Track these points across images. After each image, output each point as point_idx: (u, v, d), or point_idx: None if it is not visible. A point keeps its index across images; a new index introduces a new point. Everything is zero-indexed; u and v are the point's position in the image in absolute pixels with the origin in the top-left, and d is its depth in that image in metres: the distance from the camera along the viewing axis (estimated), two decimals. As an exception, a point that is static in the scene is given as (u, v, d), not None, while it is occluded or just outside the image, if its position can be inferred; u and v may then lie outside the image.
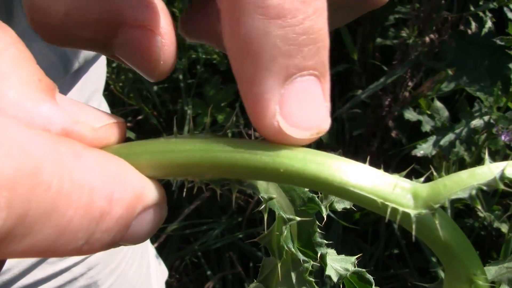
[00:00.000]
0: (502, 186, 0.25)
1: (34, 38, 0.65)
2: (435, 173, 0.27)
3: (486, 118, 1.59)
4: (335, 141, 1.78)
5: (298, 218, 0.31)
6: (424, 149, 1.63)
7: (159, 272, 1.07)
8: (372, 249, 1.75)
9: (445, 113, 1.73)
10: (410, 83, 1.77)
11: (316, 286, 0.35)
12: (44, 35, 0.33)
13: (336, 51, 1.87)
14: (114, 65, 1.83)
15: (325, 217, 0.33)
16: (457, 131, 1.64)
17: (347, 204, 0.36)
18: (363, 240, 1.78)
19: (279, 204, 0.32)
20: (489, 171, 0.26)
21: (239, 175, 0.27)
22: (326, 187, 0.26)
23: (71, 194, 0.24)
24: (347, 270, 0.38)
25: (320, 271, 0.37)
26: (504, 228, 1.59)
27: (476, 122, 1.61)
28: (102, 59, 0.81)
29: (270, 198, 0.29)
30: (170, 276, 1.81)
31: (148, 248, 1.02)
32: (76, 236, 0.24)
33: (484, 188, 0.25)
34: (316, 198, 0.33)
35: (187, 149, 0.27)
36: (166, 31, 0.33)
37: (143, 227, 0.28)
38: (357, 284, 0.39)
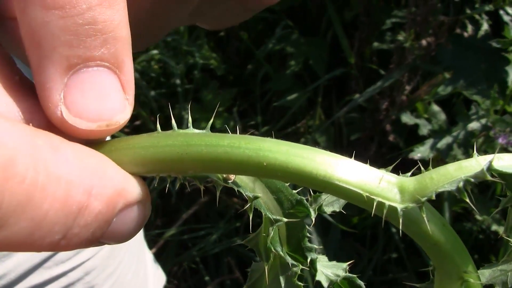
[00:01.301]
0: (489, 178, 0.24)
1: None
2: (422, 168, 0.27)
3: (483, 121, 1.59)
4: (333, 145, 1.77)
5: (285, 219, 0.30)
6: (421, 152, 1.63)
7: (156, 277, 1.06)
8: (371, 253, 1.74)
9: (442, 116, 1.73)
10: (407, 87, 1.77)
11: None
12: None
13: (333, 55, 1.87)
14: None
15: (313, 220, 0.32)
16: (455, 134, 1.64)
17: (336, 207, 0.35)
18: (362, 244, 1.78)
19: (266, 206, 0.31)
20: (476, 163, 0.25)
21: (222, 170, 0.27)
22: (310, 181, 0.26)
23: (46, 187, 0.23)
24: (338, 276, 0.37)
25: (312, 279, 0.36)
26: (502, 231, 1.58)
27: (473, 125, 1.61)
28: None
29: (256, 197, 0.28)
30: (168, 282, 1.80)
31: (145, 253, 1.02)
32: (52, 230, 0.24)
33: (472, 180, 0.25)
34: (305, 201, 0.33)
35: (169, 144, 0.27)
36: None
37: (126, 225, 0.27)
38: None
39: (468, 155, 1.67)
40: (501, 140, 1.56)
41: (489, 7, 1.70)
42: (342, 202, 0.35)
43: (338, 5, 1.86)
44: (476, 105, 1.61)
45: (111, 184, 0.26)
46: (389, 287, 1.73)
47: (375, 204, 0.26)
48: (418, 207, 0.25)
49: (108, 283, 0.85)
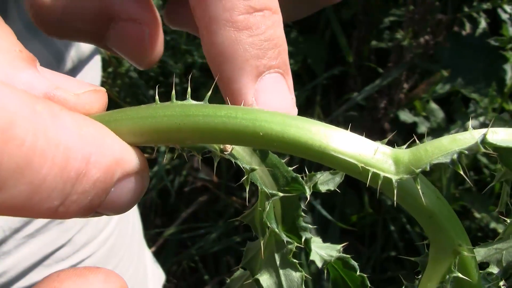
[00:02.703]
0: (483, 150, 0.24)
1: (28, 37, 0.65)
2: (417, 141, 0.27)
3: (481, 119, 1.59)
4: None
5: (281, 194, 0.30)
6: (420, 150, 1.62)
7: (156, 276, 1.06)
8: (370, 251, 1.74)
9: (440, 114, 1.73)
10: (405, 85, 1.77)
11: (299, 267, 0.34)
12: (45, 29, 0.37)
13: (331, 54, 1.87)
14: (110, 70, 1.83)
15: (308, 197, 0.33)
16: (453, 132, 1.64)
17: (331, 186, 0.36)
18: (361, 243, 1.78)
19: (262, 181, 0.31)
20: (471, 136, 0.26)
21: (219, 140, 0.27)
22: (306, 151, 0.26)
23: (45, 152, 0.24)
24: (331, 256, 0.38)
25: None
26: (501, 229, 1.58)
27: (472, 123, 1.60)
28: (97, 60, 0.81)
29: (252, 169, 0.28)
30: (167, 281, 1.80)
31: (144, 252, 1.02)
32: (51, 196, 0.24)
33: (466, 152, 0.25)
34: (300, 178, 0.33)
35: (168, 114, 0.27)
36: (153, 23, 0.38)
37: (124, 196, 0.27)
38: (341, 271, 0.39)
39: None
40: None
41: (487, 5, 1.70)
42: (337, 180, 0.36)
43: (337, 4, 1.86)
44: (474, 103, 1.62)
45: (110, 153, 0.26)
46: (388, 285, 1.73)
47: (370, 175, 0.26)
48: (413, 178, 0.26)
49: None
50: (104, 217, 0.82)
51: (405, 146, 0.27)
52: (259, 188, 0.30)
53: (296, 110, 0.33)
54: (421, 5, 1.70)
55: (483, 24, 1.74)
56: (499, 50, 1.66)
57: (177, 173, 1.83)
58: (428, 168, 0.25)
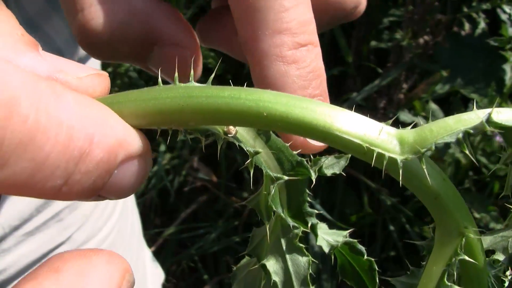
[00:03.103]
0: (488, 129, 0.24)
1: (28, 33, 0.65)
2: (421, 122, 0.27)
3: (481, 119, 1.59)
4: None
5: (286, 177, 0.30)
6: (419, 150, 1.62)
7: (155, 275, 1.06)
8: (369, 251, 1.74)
9: (440, 114, 1.73)
10: (404, 85, 1.77)
11: (306, 252, 0.34)
12: (91, 53, 0.40)
13: (331, 54, 1.88)
14: (109, 69, 1.83)
15: (314, 180, 0.32)
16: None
17: (337, 169, 0.35)
18: (360, 243, 1.77)
19: (267, 165, 0.31)
20: (475, 116, 0.26)
21: (222, 121, 0.27)
22: (310, 132, 0.26)
23: (48, 129, 0.23)
24: (338, 241, 0.38)
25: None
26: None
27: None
28: (95, 60, 0.81)
29: (256, 152, 0.28)
30: (167, 280, 1.80)
31: (144, 251, 1.02)
32: (54, 174, 0.24)
33: (471, 131, 0.25)
34: (305, 162, 0.33)
35: (171, 96, 0.27)
36: (193, 46, 0.41)
37: (126, 179, 0.27)
38: (348, 256, 0.38)
39: (465, 153, 1.68)
40: (499, 138, 1.56)
41: (486, 6, 1.70)
42: (342, 164, 0.36)
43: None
44: (474, 103, 1.61)
45: (113, 134, 0.26)
46: (388, 286, 1.73)
47: (375, 155, 0.26)
48: (418, 158, 0.25)
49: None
50: (104, 215, 0.82)
51: (409, 127, 0.27)
52: (264, 171, 0.30)
53: None
54: (421, 5, 1.70)
55: (482, 24, 1.75)
56: (498, 50, 1.66)
57: (177, 173, 1.83)
58: (433, 148, 0.25)
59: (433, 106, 1.74)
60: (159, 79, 0.28)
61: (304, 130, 0.26)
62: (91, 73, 0.29)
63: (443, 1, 1.80)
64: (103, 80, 0.30)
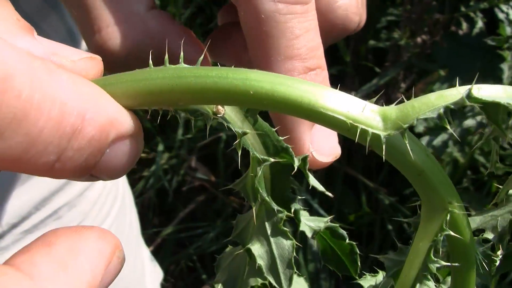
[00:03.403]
0: (468, 103, 0.25)
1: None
2: (405, 100, 0.27)
3: (478, 118, 1.60)
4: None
5: (272, 159, 0.31)
6: (417, 149, 1.63)
7: (154, 274, 1.07)
8: (367, 250, 1.75)
9: (438, 113, 1.73)
10: (402, 85, 1.78)
11: (290, 235, 0.35)
12: (108, 69, 0.40)
13: (329, 54, 1.88)
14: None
15: (296, 168, 0.33)
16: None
17: None
18: (358, 242, 1.78)
19: (253, 148, 0.32)
20: (457, 92, 0.26)
21: (211, 100, 0.28)
22: (295, 109, 0.27)
23: (42, 105, 0.24)
24: (320, 226, 0.38)
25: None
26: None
27: (469, 122, 1.61)
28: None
29: (244, 133, 0.29)
30: (165, 280, 1.80)
31: (142, 249, 1.02)
32: (47, 149, 0.25)
33: (452, 107, 0.25)
34: (290, 149, 0.33)
35: (161, 77, 0.28)
36: (206, 64, 0.41)
37: (118, 158, 0.28)
38: (330, 240, 0.39)
39: (464, 152, 1.68)
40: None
41: (484, 5, 1.71)
42: None
43: (334, 4, 1.86)
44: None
45: (105, 112, 0.27)
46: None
47: (358, 131, 0.26)
48: (401, 134, 0.26)
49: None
50: (102, 213, 0.82)
51: (393, 104, 0.28)
52: (250, 153, 0.31)
53: (340, 150, 0.41)
54: (418, 5, 1.71)
55: (480, 23, 1.75)
56: (496, 49, 1.66)
57: (175, 172, 1.83)
58: (415, 123, 0.26)
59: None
60: (150, 61, 0.29)
61: (290, 108, 0.27)
62: (85, 57, 0.30)
63: (440, 0, 1.81)
64: (97, 64, 0.31)
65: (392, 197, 1.72)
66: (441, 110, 0.26)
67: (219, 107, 0.29)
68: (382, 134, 0.26)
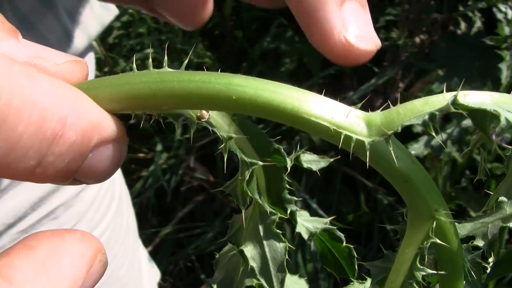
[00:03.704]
0: (453, 110, 0.25)
1: (22, 32, 0.65)
2: (391, 105, 0.27)
3: (477, 117, 1.59)
4: (327, 143, 1.78)
5: (260, 163, 0.31)
6: (415, 149, 1.62)
7: (151, 274, 1.07)
8: (366, 250, 1.74)
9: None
10: (401, 84, 1.77)
11: (283, 238, 0.34)
12: None
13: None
14: (106, 70, 1.83)
15: (289, 168, 0.33)
16: (449, 131, 1.64)
17: (314, 167, 0.36)
18: (357, 242, 1.78)
19: (243, 151, 0.32)
20: (443, 98, 0.26)
21: (194, 105, 0.27)
22: (279, 115, 0.26)
23: (21, 110, 0.24)
24: (317, 228, 0.38)
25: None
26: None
27: (467, 122, 1.61)
28: (91, 58, 0.82)
29: (230, 138, 0.29)
30: (164, 280, 1.80)
31: (139, 249, 1.02)
32: (27, 154, 0.24)
33: (437, 113, 0.25)
34: (282, 150, 0.33)
35: (144, 81, 0.27)
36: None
37: (101, 163, 0.28)
38: (328, 243, 0.39)
39: (462, 152, 1.68)
40: (494, 137, 1.56)
41: (482, 5, 1.71)
42: (322, 164, 0.36)
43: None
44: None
45: (87, 117, 0.26)
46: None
47: (342, 137, 0.26)
48: (385, 140, 0.26)
49: (102, 278, 0.85)
50: (98, 213, 0.82)
51: (379, 110, 0.28)
52: (239, 157, 0.31)
53: (379, 40, 0.34)
54: (416, 5, 1.70)
55: (478, 23, 1.75)
56: (494, 49, 1.66)
57: (173, 172, 1.83)
58: (399, 130, 0.26)
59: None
60: (134, 65, 0.28)
61: (273, 113, 0.26)
62: (69, 60, 0.30)
63: (439, 0, 1.81)
64: (81, 67, 0.30)
65: (390, 197, 1.72)
66: (426, 117, 0.25)
67: (203, 111, 0.29)
68: (366, 140, 0.26)
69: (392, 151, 0.26)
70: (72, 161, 0.26)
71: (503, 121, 0.25)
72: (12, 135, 0.24)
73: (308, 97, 0.26)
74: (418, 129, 1.66)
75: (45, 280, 0.24)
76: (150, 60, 0.28)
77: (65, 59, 0.30)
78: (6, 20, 0.29)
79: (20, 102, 0.24)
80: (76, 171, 0.27)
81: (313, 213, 1.73)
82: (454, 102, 0.25)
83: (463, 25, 1.78)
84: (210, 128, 0.29)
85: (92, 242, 0.26)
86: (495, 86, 1.63)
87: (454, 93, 0.26)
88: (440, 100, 0.26)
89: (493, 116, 0.26)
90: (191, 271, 1.87)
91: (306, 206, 1.68)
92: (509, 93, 0.27)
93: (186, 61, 0.28)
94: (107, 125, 0.28)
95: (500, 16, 1.70)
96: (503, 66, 1.66)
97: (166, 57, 0.29)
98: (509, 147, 0.34)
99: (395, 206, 1.71)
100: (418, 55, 1.74)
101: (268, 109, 0.26)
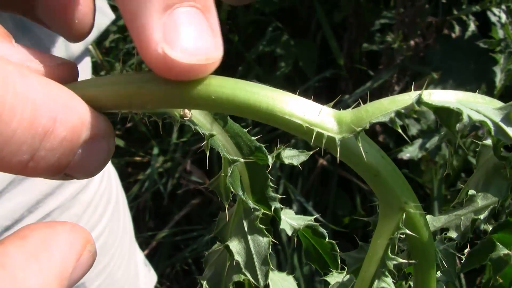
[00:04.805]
0: (418, 108, 0.26)
1: (18, 36, 0.67)
2: (361, 104, 0.29)
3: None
4: (324, 146, 1.78)
5: (242, 160, 0.32)
6: (410, 152, 1.64)
7: (148, 277, 1.07)
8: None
9: (431, 116, 1.75)
10: (396, 87, 1.79)
11: (266, 232, 0.36)
12: None
13: (323, 56, 1.89)
14: (102, 73, 1.85)
15: (270, 165, 0.34)
16: (443, 133, 1.65)
17: (295, 161, 0.37)
18: (353, 244, 1.79)
19: (225, 149, 0.33)
20: (409, 97, 0.28)
21: (176, 104, 0.29)
22: (255, 113, 0.28)
23: (14, 106, 0.25)
24: (301, 224, 0.39)
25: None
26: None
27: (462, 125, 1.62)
28: (87, 62, 0.83)
29: (211, 135, 0.30)
30: (160, 283, 1.81)
31: (136, 252, 1.03)
32: (20, 149, 0.26)
33: (403, 111, 0.27)
34: (263, 148, 0.35)
35: (129, 81, 0.29)
36: None
37: (90, 158, 0.29)
38: (312, 239, 0.40)
39: (457, 154, 1.69)
40: (482, 131, 1.57)
41: (476, 8, 1.72)
42: (302, 158, 0.38)
43: (327, 7, 1.88)
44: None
45: (76, 114, 0.28)
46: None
47: (314, 134, 0.28)
48: (354, 136, 0.27)
49: (99, 280, 0.86)
50: (95, 215, 0.83)
51: (350, 108, 0.29)
52: (221, 154, 0.32)
53: (219, 52, 0.29)
54: (411, 8, 1.72)
55: (472, 26, 1.76)
56: (488, 52, 1.67)
57: (170, 176, 1.84)
58: (368, 127, 0.27)
59: (424, 108, 1.75)
60: (120, 66, 0.30)
61: (249, 112, 0.28)
62: (60, 62, 0.31)
63: (433, 3, 1.82)
64: (72, 69, 0.32)
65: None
66: (393, 115, 0.27)
67: (186, 110, 0.30)
68: (337, 137, 0.28)
69: (361, 147, 0.27)
70: (63, 155, 0.28)
71: (465, 118, 0.27)
72: (7, 130, 0.25)
73: (281, 97, 0.28)
74: (413, 131, 1.68)
75: (36, 266, 0.25)
76: (135, 60, 0.30)
77: (56, 62, 0.31)
78: (0, 25, 0.31)
79: (14, 99, 0.25)
80: (66, 166, 0.28)
81: (309, 216, 1.73)
82: (419, 101, 0.27)
83: (457, 29, 1.79)
84: (193, 126, 0.30)
85: (82, 232, 0.28)
86: (490, 88, 1.65)
87: (419, 92, 0.27)
88: (405, 99, 0.28)
89: (458, 114, 0.27)
90: (188, 274, 1.88)
91: (302, 209, 1.69)
92: (504, 96, 0.29)
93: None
94: (96, 122, 0.29)
95: (494, 19, 1.72)
96: (497, 69, 1.68)
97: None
98: (479, 142, 0.36)
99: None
100: (413, 58, 1.75)
101: (244, 108, 0.28)
